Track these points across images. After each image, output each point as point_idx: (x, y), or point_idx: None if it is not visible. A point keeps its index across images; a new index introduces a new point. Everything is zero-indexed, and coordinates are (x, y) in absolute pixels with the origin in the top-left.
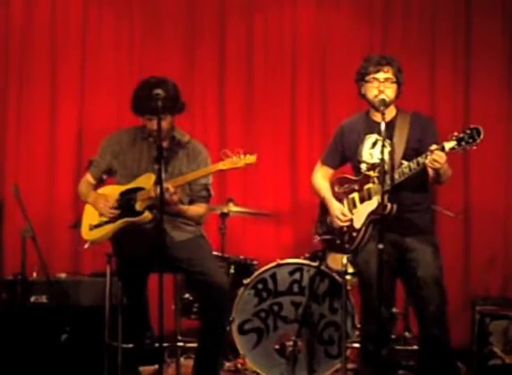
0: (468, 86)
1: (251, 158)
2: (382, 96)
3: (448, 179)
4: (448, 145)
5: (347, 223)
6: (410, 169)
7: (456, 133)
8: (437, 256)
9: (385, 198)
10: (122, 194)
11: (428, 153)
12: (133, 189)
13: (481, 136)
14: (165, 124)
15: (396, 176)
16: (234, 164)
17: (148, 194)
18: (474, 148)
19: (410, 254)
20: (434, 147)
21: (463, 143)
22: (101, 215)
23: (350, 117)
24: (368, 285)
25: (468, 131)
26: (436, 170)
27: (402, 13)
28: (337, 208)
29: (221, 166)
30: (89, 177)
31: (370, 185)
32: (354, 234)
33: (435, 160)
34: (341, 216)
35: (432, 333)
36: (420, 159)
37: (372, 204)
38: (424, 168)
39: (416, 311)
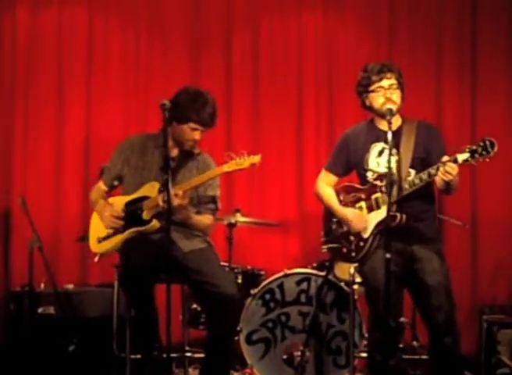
0: (474, 95)
1: (256, 158)
2: (388, 105)
3: (457, 189)
4: (461, 157)
5: (364, 226)
6: (421, 180)
7: (469, 145)
8: (444, 264)
9: (394, 208)
10: (128, 204)
11: (440, 164)
12: (138, 199)
13: (495, 148)
14: (201, 137)
15: (407, 186)
16: (239, 165)
17: (154, 202)
18: (488, 160)
19: (417, 263)
20: (446, 158)
21: (476, 155)
22: (107, 226)
23: (354, 126)
24: (375, 294)
25: (482, 143)
26: (447, 182)
27: (408, 22)
28: (350, 212)
29: (226, 168)
30: (101, 185)
31: (378, 195)
32: (362, 244)
33: (447, 172)
34: (357, 219)
35: (444, 341)
36: (431, 171)
37: (381, 214)
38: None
39: (426, 320)
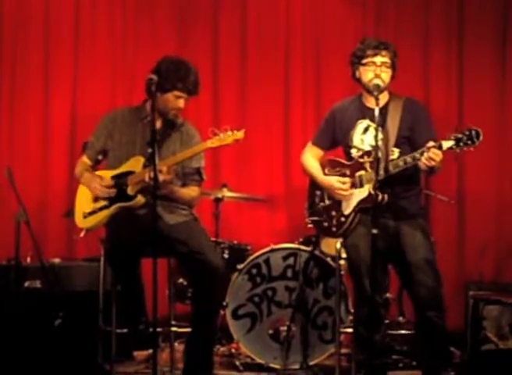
0: (462, 70)
1: (239, 134)
2: (376, 81)
3: (440, 171)
4: (446, 144)
5: (349, 192)
6: (406, 163)
7: (454, 133)
8: (427, 239)
9: (377, 187)
10: (113, 179)
11: (425, 149)
12: (122, 173)
13: (480, 138)
14: (185, 105)
15: (391, 168)
16: (222, 141)
17: (139, 177)
18: (472, 149)
19: (400, 239)
20: (431, 144)
21: (461, 144)
22: (95, 199)
23: (342, 101)
24: (357, 269)
25: (467, 133)
26: (431, 167)
27: None
28: (334, 180)
29: (209, 144)
30: (85, 159)
31: (362, 172)
32: (343, 220)
33: (431, 158)
34: (342, 186)
35: (428, 316)
36: (416, 155)
37: (363, 192)
38: None
39: (411, 295)
